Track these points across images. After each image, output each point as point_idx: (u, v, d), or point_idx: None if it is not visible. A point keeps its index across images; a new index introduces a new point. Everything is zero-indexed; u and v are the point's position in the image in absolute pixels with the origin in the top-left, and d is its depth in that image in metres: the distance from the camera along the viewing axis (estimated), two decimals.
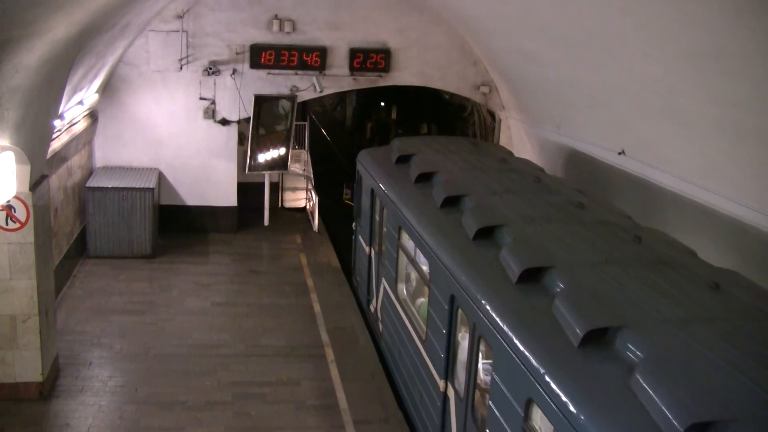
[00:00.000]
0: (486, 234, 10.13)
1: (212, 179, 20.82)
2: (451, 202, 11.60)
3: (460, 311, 9.66)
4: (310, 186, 23.56)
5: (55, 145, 14.88)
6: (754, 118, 9.60)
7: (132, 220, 18.49)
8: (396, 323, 13.04)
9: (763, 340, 6.76)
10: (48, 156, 13.03)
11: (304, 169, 24.16)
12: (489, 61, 20.20)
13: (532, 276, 8.58)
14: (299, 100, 20.84)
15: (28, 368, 11.96)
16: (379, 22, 20.41)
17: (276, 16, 19.83)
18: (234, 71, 20.04)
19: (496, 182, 12.18)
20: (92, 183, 18.55)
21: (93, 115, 19.07)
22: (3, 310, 11.68)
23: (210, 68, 19.81)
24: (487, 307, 8.53)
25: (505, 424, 7.87)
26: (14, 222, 11.36)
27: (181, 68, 19.83)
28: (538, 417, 7.29)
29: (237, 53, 19.89)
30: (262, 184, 21.84)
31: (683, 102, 11.10)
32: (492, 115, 21.45)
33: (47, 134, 12.47)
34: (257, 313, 16.03)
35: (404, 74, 20.96)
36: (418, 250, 11.77)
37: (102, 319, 15.15)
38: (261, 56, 19.94)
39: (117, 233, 18.47)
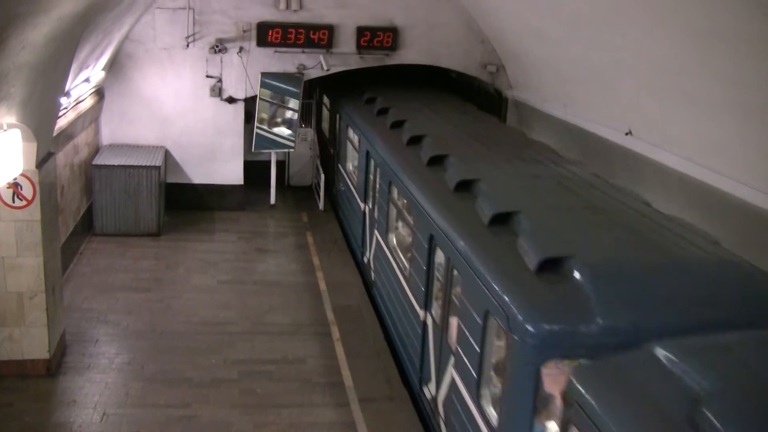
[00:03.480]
0: (397, 125, 15.64)
1: (219, 157, 20.81)
2: (383, 112, 17.26)
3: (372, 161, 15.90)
4: (316, 164, 23.55)
5: (62, 122, 14.87)
6: (762, 97, 9.55)
7: (138, 197, 18.51)
8: (342, 186, 19.95)
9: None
10: (54, 133, 13.01)
11: (311, 148, 24.15)
12: (496, 39, 20.10)
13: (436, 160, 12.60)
14: (306, 78, 20.78)
15: (35, 345, 12.02)
16: None
17: None
18: (241, 49, 19.98)
19: (424, 106, 17.54)
20: (99, 161, 18.56)
21: (99, 93, 19.05)
22: (10, 288, 11.74)
23: (217, 46, 19.75)
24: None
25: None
26: (21, 199, 11.38)
27: (187, 46, 19.77)
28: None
29: (244, 31, 19.81)
30: (269, 162, 21.85)
31: (691, 82, 11.06)
32: (499, 94, 21.37)
33: (54, 112, 12.46)
34: (263, 291, 16.08)
35: (411, 52, 20.87)
36: (355, 136, 18.01)
37: (108, 297, 15.20)
38: (268, 34, 19.85)
39: (123, 211, 18.50)
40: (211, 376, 12.57)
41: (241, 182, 21.22)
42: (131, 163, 18.47)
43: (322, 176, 22.07)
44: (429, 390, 11.07)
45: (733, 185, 10.98)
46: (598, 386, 6.11)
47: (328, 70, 20.51)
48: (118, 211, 18.49)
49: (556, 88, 17.21)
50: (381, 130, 16.09)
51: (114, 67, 19.38)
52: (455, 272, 9.82)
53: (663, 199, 12.49)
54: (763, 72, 9.22)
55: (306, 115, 24.03)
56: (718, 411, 5.21)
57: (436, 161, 12.65)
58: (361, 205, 16.92)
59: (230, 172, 21.00)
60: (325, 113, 23.66)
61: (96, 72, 17.23)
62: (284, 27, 19.83)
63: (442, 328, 10.50)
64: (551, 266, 8.12)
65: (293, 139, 21.36)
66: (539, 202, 10.00)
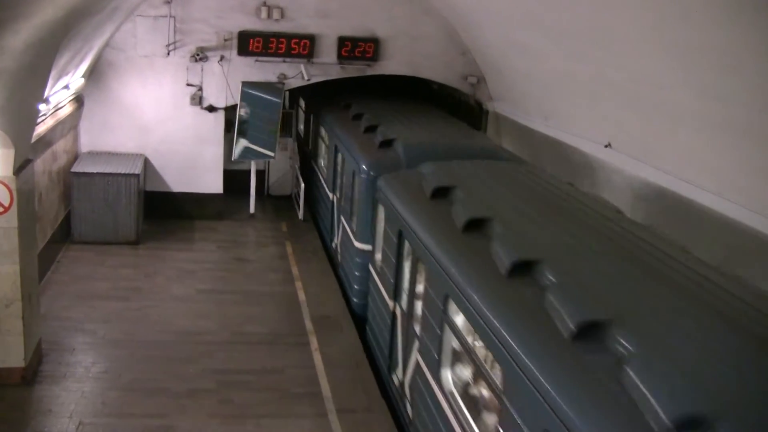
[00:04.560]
0: (347, 107, 19.74)
1: (198, 166, 20.75)
2: (345, 103, 20.33)
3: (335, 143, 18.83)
4: (296, 173, 23.53)
5: (40, 129, 14.79)
6: (742, 113, 9.63)
7: (117, 205, 18.40)
8: (309, 151, 23.46)
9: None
10: (33, 140, 12.94)
11: (291, 157, 24.12)
12: (477, 51, 20.18)
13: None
14: (287, 88, 20.77)
15: (11, 353, 11.89)
16: (368, 10, 20.37)
17: (264, 2, 19.75)
18: (221, 58, 19.96)
19: (385, 104, 19.89)
20: (78, 168, 18.45)
21: (79, 100, 18.96)
22: None
23: (197, 54, 19.71)
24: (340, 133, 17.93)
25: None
26: None
27: (168, 54, 19.73)
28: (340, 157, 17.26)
29: (225, 40, 19.80)
30: (249, 172, 21.80)
31: (671, 96, 11.13)
32: (480, 105, 21.44)
33: (32, 118, 12.39)
34: (242, 301, 16.03)
35: (392, 63, 20.93)
36: (322, 129, 20.51)
37: (86, 305, 15.09)
38: (249, 43, 19.86)
39: (102, 219, 18.39)
40: (188, 385, 12.49)
41: (221, 191, 21.17)
42: (110, 171, 18.37)
43: (302, 186, 22.03)
44: (335, 242, 18.05)
45: (711, 199, 11.04)
46: (387, 180, 13.17)
47: (309, 79, 20.52)
48: (96, 218, 18.37)
49: (536, 100, 17.29)
50: (333, 108, 20.41)
51: (94, 74, 19.30)
52: (345, 163, 16.69)
53: (641, 212, 12.54)
54: (743, 87, 9.30)
55: (286, 124, 23.99)
56: (430, 178, 11.81)
57: (358, 117, 18.15)
58: (331, 194, 21.73)
59: (210, 180, 20.95)
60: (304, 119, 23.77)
61: (76, 79, 17.15)
62: (265, 36, 19.84)
63: (340, 198, 17.34)
64: (387, 144, 15.48)
65: (273, 148, 21.32)
66: (394, 124, 16.78)
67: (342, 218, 16.82)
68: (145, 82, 19.90)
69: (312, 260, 18.69)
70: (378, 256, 13.69)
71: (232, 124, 20.88)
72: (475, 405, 8.68)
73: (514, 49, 16.93)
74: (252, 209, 21.87)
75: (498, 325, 7.57)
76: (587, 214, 10.03)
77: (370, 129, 16.63)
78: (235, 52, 19.99)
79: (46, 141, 15.77)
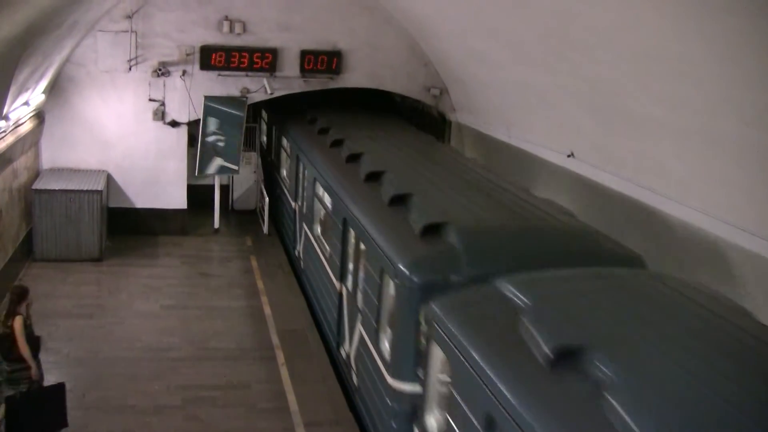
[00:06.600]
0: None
1: (162, 181, 20.61)
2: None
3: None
4: (260, 188, 23.47)
5: (0, 146, 14.63)
6: (699, 118, 9.77)
7: (80, 222, 18.24)
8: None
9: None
10: None
11: (255, 171, 24.07)
12: (439, 62, 20.28)
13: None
14: (250, 102, 20.73)
15: None
16: (330, 23, 20.40)
17: (226, 17, 19.71)
18: (184, 72, 19.88)
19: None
20: (39, 185, 18.27)
21: (40, 116, 18.77)
22: None
23: (159, 69, 19.61)
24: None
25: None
26: None
27: (130, 69, 19.60)
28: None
29: (187, 54, 19.72)
30: (212, 186, 21.71)
31: (630, 104, 11.27)
32: (443, 117, 21.53)
33: None
34: (207, 316, 15.93)
35: (355, 76, 20.96)
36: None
37: (49, 323, 14.86)
38: (211, 57, 19.80)
39: (64, 236, 18.21)
40: (154, 403, 12.38)
41: (185, 206, 21.04)
42: (72, 188, 18.21)
43: (267, 200, 21.98)
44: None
45: (672, 206, 11.18)
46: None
47: (272, 93, 20.49)
48: (59, 236, 18.19)
49: (498, 110, 17.40)
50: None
51: (55, 90, 19.14)
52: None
53: (605, 219, 12.66)
54: (700, 93, 9.43)
55: (250, 138, 23.96)
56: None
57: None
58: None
59: (173, 196, 20.81)
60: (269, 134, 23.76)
61: (36, 95, 17.00)
62: (228, 50, 19.80)
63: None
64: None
65: (237, 162, 21.26)
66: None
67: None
68: (106, 97, 19.76)
69: (277, 274, 18.64)
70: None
71: (195, 139, 20.79)
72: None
73: (474, 59, 17.05)
74: (216, 224, 21.77)
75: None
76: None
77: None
78: (197, 66, 19.92)
79: (6, 158, 15.61)
